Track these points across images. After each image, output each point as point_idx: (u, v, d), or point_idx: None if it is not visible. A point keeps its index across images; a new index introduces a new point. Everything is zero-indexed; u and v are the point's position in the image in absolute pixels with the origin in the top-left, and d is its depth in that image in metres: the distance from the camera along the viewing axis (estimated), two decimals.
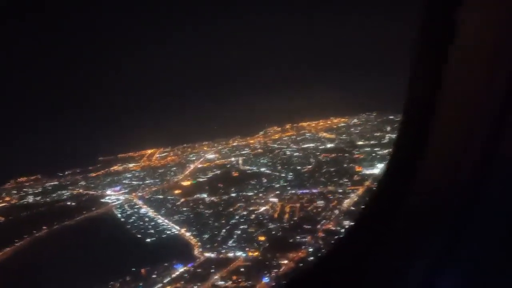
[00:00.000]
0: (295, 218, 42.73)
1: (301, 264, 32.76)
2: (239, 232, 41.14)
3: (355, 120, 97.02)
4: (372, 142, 72.57)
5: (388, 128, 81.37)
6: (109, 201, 58.68)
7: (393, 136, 74.32)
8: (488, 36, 1.85)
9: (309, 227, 39.87)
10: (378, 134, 78.21)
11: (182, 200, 54.32)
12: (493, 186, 1.97)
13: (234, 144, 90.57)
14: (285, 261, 33.82)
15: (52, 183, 73.63)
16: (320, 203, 45.67)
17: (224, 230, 41.92)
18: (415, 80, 2.26)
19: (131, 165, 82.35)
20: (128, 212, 52.42)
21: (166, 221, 47.31)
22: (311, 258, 33.61)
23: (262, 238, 38.64)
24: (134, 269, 35.18)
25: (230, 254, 37.02)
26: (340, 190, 49.10)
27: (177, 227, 44.96)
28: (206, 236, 41.28)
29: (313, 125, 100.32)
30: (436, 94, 2.03)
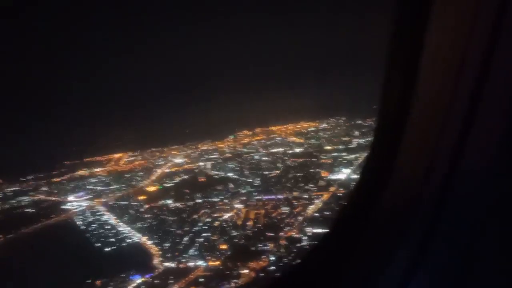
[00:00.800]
0: (259, 225, 41.94)
1: (262, 274, 31.98)
2: (201, 240, 39.98)
3: (325, 125, 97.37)
4: (339, 147, 72.77)
5: (356, 133, 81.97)
6: (71, 207, 56.27)
7: (361, 141, 75.18)
8: (455, 45, 1.90)
9: (272, 234, 39.17)
10: (346, 139, 78.61)
11: (147, 206, 52.64)
12: (461, 190, 2.00)
13: (204, 148, 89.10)
14: (246, 271, 32.93)
15: (12, 189, 70.21)
16: (285, 209, 45.11)
17: (186, 238, 40.67)
18: (388, 84, 2.31)
19: (97, 169, 79.64)
20: (89, 220, 50.30)
21: (128, 228, 45.60)
22: (272, 267, 32.83)
23: (224, 247, 37.60)
24: (89, 280, 33.48)
25: (191, 264, 35.83)
26: (306, 196, 48.71)
27: (139, 235, 43.37)
28: (168, 244, 39.91)
29: (283, 129, 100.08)
30: (410, 98, 2.06)
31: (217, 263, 35.05)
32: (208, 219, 45.05)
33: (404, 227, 2.21)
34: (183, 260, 36.43)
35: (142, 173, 72.02)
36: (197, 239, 40.14)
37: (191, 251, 37.79)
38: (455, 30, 1.90)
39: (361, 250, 2.41)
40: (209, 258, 35.96)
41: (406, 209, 2.19)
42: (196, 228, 42.85)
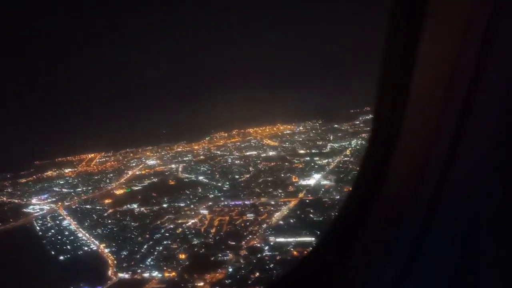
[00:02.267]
0: (222, 233, 40.07)
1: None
2: (161, 248, 37.89)
3: (301, 128, 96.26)
4: (313, 151, 71.49)
5: (331, 137, 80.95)
6: (32, 211, 53.34)
7: (335, 145, 74.11)
8: (448, 46, 1.90)
9: (233, 243, 37.35)
10: (320, 143, 77.45)
11: (110, 211, 50.19)
12: (454, 195, 2.00)
13: (179, 149, 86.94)
14: (201, 283, 31.02)
15: None
16: (250, 216, 43.35)
17: (145, 246, 38.51)
18: (382, 90, 2.24)
19: (66, 170, 76.73)
20: (49, 225, 47.60)
21: (87, 235, 43.13)
22: (229, 280, 31.01)
23: (182, 256, 35.60)
24: None
25: (146, 274, 33.72)
26: (273, 202, 47.06)
27: (97, 242, 40.97)
28: (125, 253, 37.68)
29: (259, 131, 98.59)
30: (403, 103, 2.04)
31: (173, 274, 33.04)
32: (171, 226, 42.98)
33: (397, 233, 2.18)
34: (139, 271, 34.25)
35: (112, 175, 69.42)
36: (156, 247, 38.02)
37: (149, 261, 35.64)
38: (448, 34, 1.89)
39: (354, 255, 2.37)
40: (166, 268, 33.91)
41: (399, 214, 2.15)
42: (158, 235, 40.71)
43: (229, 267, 33.02)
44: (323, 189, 49.82)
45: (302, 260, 3.04)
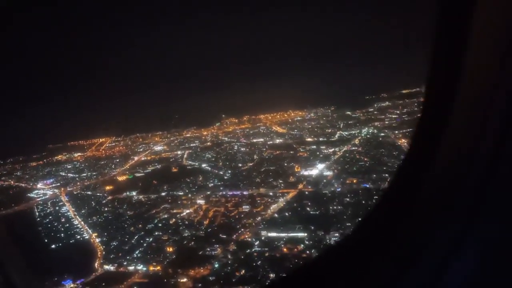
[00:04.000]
0: (214, 225, 38.49)
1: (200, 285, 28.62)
2: (151, 239, 36.64)
3: (312, 114, 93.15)
4: (320, 139, 68.78)
5: (341, 125, 77.75)
6: (35, 196, 53.16)
7: (344, 133, 71.02)
8: (501, 26, 1.85)
9: (224, 236, 35.72)
10: (329, 130, 74.43)
11: (109, 198, 49.38)
12: (507, 167, 1.93)
13: (187, 135, 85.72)
14: (184, 279, 29.57)
15: None
16: (246, 208, 41.53)
17: (136, 237, 37.35)
18: (434, 72, 2.22)
19: (76, 154, 76.64)
20: (48, 211, 47.17)
21: (82, 223, 42.35)
22: (212, 277, 29.42)
23: (170, 249, 34.24)
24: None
25: (131, 268, 32.53)
26: (271, 194, 45.07)
27: (90, 231, 40.11)
28: (115, 243, 36.63)
29: (270, 118, 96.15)
30: (456, 84, 2.01)
31: (158, 268, 31.72)
32: (165, 216, 41.70)
33: (451, 201, 2.10)
34: (125, 263, 33.13)
35: (118, 160, 68.76)
36: (146, 239, 36.80)
37: (136, 253, 34.46)
38: (498, 23, 1.84)
39: (407, 225, 2.30)
40: (152, 262, 32.62)
41: (453, 183, 2.09)
42: (150, 226, 39.52)
43: (216, 262, 31.42)
44: (324, 180, 47.41)
45: (360, 223, 2.91)
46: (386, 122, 73.08)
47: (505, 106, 1.89)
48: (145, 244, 35.81)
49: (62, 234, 40.09)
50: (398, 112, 78.86)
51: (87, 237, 39.11)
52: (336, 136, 69.34)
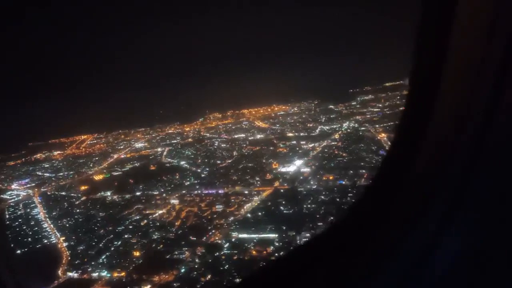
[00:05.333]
0: (186, 227, 36.97)
1: None
2: (119, 243, 35.02)
3: (295, 109, 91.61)
4: (301, 134, 67.38)
5: (323, 119, 76.41)
6: (8, 197, 51.03)
7: (325, 128, 69.65)
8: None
9: (194, 239, 34.23)
10: (311, 125, 72.96)
11: (83, 198, 47.55)
12: (493, 148, 1.93)
13: (170, 131, 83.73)
14: (148, 286, 28.06)
15: None
16: (219, 207, 40.04)
17: (104, 241, 35.70)
18: (419, 54, 2.20)
19: (55, 153, 74.34)
20: (19, 213, 45.18)
21: (51, 226, 40.53)
22: (177, 283, 27.96)
23: (137, 254, 32.66)
24: None
25: (95, 274, 30.93)
26: (246, 192, 43.60)
27: (58, 235, 38.33)
28: (82, 247, 34.95)
29: (254, 112, 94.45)
30: (442, 65, 2.00)
31: (123, 274, 30.15)
32: (137, 217, 40.08)
33: (438, 184, 2.09)
34: (89, 269, 31.51)
35: (97, 158, 66.70)
36: (115, 242, 35.17)
37: (103, 258, 32.83)
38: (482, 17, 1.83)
39: (396, 207, 2.28)
40: (117, 267, 31.03)
41: (440, 165, 2.09)
42: (120, 228, 37.89)
43: (182, 267, 29.94)
44: (301, 177, 46.07)
45: (347, 212, 2.83)
46: (368, 116, 71.89)
47: (488, 94, 1.85)
48: (112, 248, 34.20)
49: (29, 239, 38.25)
50: (380, 105, 77.83)
51: (54, 241, 37.33)
52: (317, 130, 67.98)
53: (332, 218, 34.07)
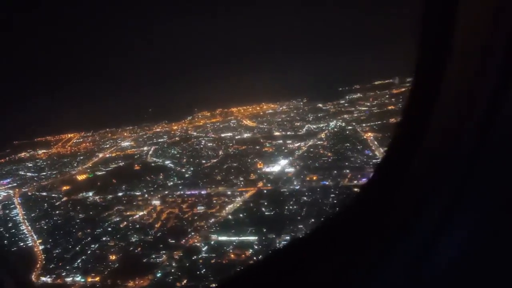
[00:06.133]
0: (165, 229, 36.05)
1: None
2: (96, 246, 34.00)
3: (284, 107, 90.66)
4: (288, 133, 66.63)
5: (311, 118, 75.64)
6: None
7: (312, 127, 68.91)
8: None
9: (173, 241, 33.34)
10: (298, 124, 72.14)
11: (64, 199, 46.34)
12: (495, 145, 1.90)
13: (158, 130, 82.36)
14: None
15: None
16: (201, 209, 39.17)
17: (81, 244, 34.64)
18: (423, 47, 2.16)
19: (40, 152, 72.66)
20: None
21: (29, 228, 39.34)
22: None
23: (113, 258, 31.69)
24: None
25: (69, 279, 29.92)
26: (229, 193, 42.77)
27: (35, 237, 37.18)
28: (58, 251, 33.88)
29: (242, 111, 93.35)
30: (445, 59, 1.96)
31: (97, 279, 29.19)
32: (117, 219, 39.06)
33: (438, 182, 2.03)
34: (63, 274, 30.48)
35: (82, 157, 65.31)
36: (92, 245, 34.16)
37: (78, 262, 31.80)
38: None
39: (401, 194, 2.24)
40: (92, 272, 30.04)
41: (440, 163, 2.04)
42: (99, 230, 36.84)
43: (158, 271, 29.03)
44: (285, 178, 45.33)
45: (352, 200, 2.78)
46: (355, 115, 71.36)
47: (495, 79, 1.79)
48: (89, 252, 33.21)
49: (5, 241, 37.06)
50: (368, 104, 77.25)
51: (30, 244, 36.18)
52: (304, 129, 67.24)
53: (315, 219, 33.49)
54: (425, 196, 2.07)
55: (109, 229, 37.03)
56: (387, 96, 78.15)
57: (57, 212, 42.54)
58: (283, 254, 2.81)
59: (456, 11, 1.85)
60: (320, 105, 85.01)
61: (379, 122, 62.82)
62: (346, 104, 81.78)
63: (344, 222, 2.56)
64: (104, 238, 35.19)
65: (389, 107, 71.15)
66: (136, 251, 32.58)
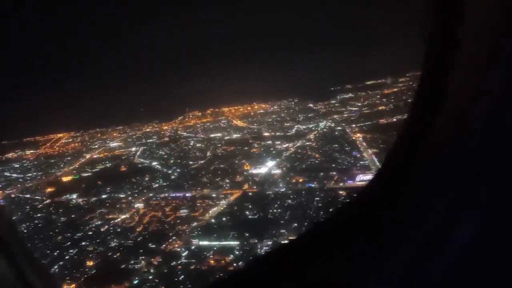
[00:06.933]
0: (146, 233, 35.06)
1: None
2: (75, 251, 32.94)
3: (275, 107, 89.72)
4: (277, 133, 65.73)
5: (301, 118, 74.75)
6: None
7: (302, 127, 68.05)
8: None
9: (153, 246, 32.37)
10: (288, 124, 71.32)
11: (47, 201, 45.22)
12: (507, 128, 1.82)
13: (148, 130, 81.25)
14: None
15: None
16: (184, 212, 38.22)
17: (60, 249, 33.56)
18: (431, 44, 2.12)
19: (28, 152, 71.31)
20: None
21: None
22: None
23: (90, 263, 30.67)
24: None
25: None
26: (214, 195, 41.85)
27: None
28: (35, 256, 32.71)
29: (233, 111, 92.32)
30: (453, 57, 1.93)
31: (73, 286, 28.16)
32: (98, 222, 38.03)
33: (453, 163, 1.97)
34: None
35: (69, 158, 64.09)
36: (70, 250, 33.08)
37: (55, 268, 30.72)
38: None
39: (406, 191, 2.19)
40: (68, 279, 28.99)
41: (452, 149, 1.99)
42: (79, 234, 35.77)
43: (136, 278, 28.06)
44: (271, 179, 44.48)
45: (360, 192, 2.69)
46: (345, 115, 70.58)
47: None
48: (67, 257, 32.11)
49: None
50: (359, 104, 76.45)
51: None
52: (293, 130, 66.42)
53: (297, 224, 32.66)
54: (431, 194, 2.03)
55: (90, 233, 36.00)
56: (378, 96, 77.54)
57: (39, 215, 41.38)
58: (280, 253, 2.66)
59: (466, 8, 1.81)
60: (311, 105, 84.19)
61: (368, 123, 62.16)
62: (337, 104, 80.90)
63: (348, 217, 2.50)
64: (83, 243, 34.11)
65: (380, 108, 70.49)
66: (115, 256, 31.54)
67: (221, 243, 31.58)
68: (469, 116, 1.90)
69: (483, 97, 1.83)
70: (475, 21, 1.83)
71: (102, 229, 36.43)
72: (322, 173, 43.15)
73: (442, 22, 2.00)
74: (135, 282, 27.60)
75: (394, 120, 58.54)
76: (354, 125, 62.34)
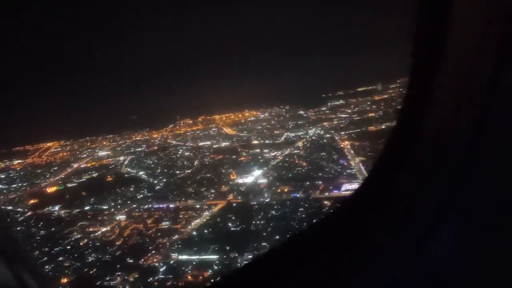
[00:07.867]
0: (126, 246, 33.79)
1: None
2: (51, 267, 31.59)
3: (266, 114, 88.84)
4: (266, 141, 64.71)
5: (291, 126, 73.85)
6: None
7: (291, 135, 67.05)
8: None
9: (131, 261, 31.10)
10: (277, 132, 70.30)
11: (29, 214, 43.83)
12: (494, 129, 1.83)
13: (137, 138, 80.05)
14: None
15: None
16: (166, 224, 37.00)
17: (36, 264, 32.14)
18: (418, 44, 2.10)
19: (16, 162, 69.85)
20: None
21: None
22: None
23: (64, 280, 29.37)
24: None
25: None
26: (198, 206, 40.66)
27: None
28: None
29: (224, 118, 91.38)
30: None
31: None
32: (78, 235, 36.70)
33: (439, 167, 1.96)
34: None
35: (56, 168, 62.71)
36: (46, 266, 31.70)
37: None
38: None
39: (394, 193, 2.17)
40: None
41: (439, 151, 1.99)
42: (57, 249, 34.42)
43: None
44: (256, 189, 43.35)
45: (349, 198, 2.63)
46: (335, 122, 69.67)
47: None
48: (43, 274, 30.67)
49: None
50: (349, 111, 75.73)
51: None
52: (282, 138, 65.45)
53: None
54: (418, 198, 2.01)
55: (68, 247, 34.67)
56: (368, 103, 76.93)
57: (19, 228, 39.91)
58: (262, 262, 2.57)
59: (452, 14, 1.80)
60: (302, 112, 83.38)
61: (357, 130, 61.32)
62: (327, 111, 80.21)
63: (336, 221, 2.47)
64: (60, 258, 32.75)
65: (369, 114, 69.77)
66: (91, 272, 30.20)
67: (200, 257, 30.37)
68: (455, 120, 1.88)
69: (469, 101, 1.80)
70: (461, 27, 1.81)
71: (81, 243, 35.12)
72: (308, 183, 42.10)
73: (427, 28, 1.98)
74: None
75: (383, 127, 57.78)
76: (343, 133, 61.47)
